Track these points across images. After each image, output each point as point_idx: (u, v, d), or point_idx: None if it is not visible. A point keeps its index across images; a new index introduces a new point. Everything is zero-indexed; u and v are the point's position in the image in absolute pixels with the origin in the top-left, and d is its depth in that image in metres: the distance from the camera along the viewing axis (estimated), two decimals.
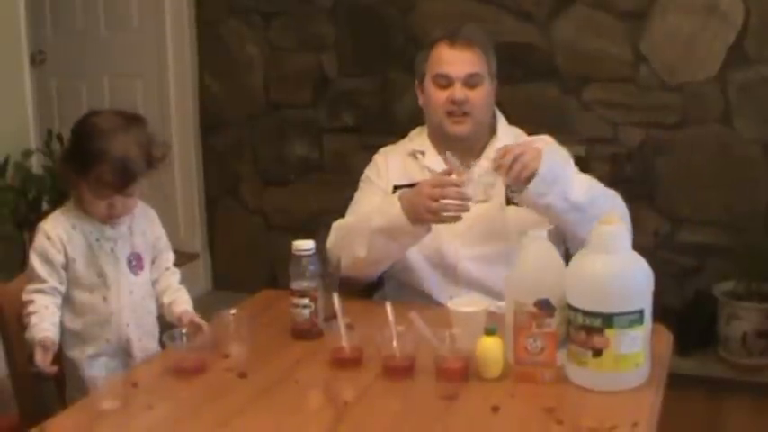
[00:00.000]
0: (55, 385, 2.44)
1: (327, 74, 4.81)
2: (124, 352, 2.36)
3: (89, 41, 5.23)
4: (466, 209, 2.41)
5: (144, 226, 2.44)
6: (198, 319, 2.35)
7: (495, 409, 1.93)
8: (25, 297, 2.28)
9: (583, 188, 2.47)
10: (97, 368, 2.11)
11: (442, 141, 2.69)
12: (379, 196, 2.74)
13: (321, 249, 2.45)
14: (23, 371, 2.39)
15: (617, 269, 1.98)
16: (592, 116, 4.32)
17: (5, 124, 4.21)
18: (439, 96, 2.65)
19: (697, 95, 4.14)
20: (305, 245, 2.35)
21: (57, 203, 2.71)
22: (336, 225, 2.73)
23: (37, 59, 4.99)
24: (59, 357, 2.37)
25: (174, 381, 2.14)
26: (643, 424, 1.85)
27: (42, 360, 2.17)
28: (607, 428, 1.82)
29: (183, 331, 2.23)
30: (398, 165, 2.78)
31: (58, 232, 2.30)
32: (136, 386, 2.09)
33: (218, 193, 5.21)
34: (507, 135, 2.73)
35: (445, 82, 2.64)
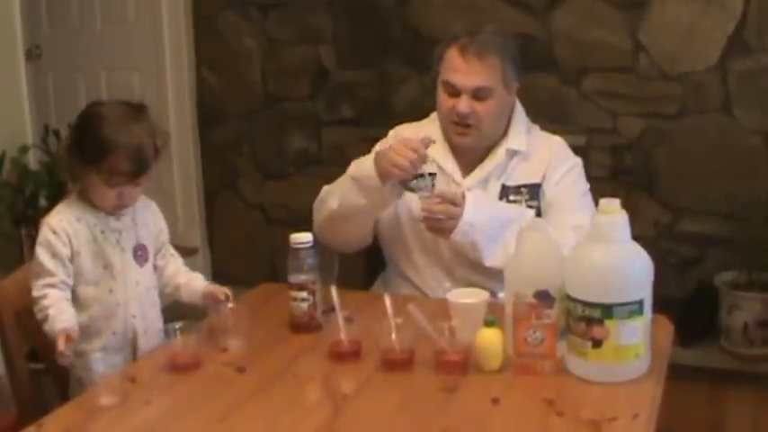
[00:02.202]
0: (54, 382, 2.43)
1: (325, 66, 4.79)
2: (130, 345, 2.36)
3: (85, 36, 5.22)
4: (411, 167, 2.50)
5: (147, 218, 2.45)
6: (221, 290, 2.39)
7: (496, 401, 1.92)
8: (36, 293, 2.26)
9: (499, 255, 2.52)
10: (98, 363, 2.10)
11: (449, 138, 2.70)
12: None
13: (319, 242, 2.44)
14: (21, 368, 2.38)
15: (616, 259, 1.97)
16: (591, 106, 4.30)
17: (1, 120, 4.21)
18: (446, 103, 2.63)
19: (697, 85, 4.13)
20: (302, 238, 2.34)
21: (54, 199, 2.71)
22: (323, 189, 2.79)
23: (33, 54, 4.98)
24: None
25: (172, 376, 2.13)
26: (644, 415, 1.84)
27: (66, 348, 2.15)
28: (607, 420, 1.81)
29: (177, 327, 2.21)
30: None
31: (63, 225, 2.30)
32: (134, 381, 2.09)
33: (217, 187, 5.20)
34: (518, 137, 2.69)
35: (452, 91, 2.61)
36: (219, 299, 2.36)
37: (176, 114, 5.07)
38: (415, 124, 2.85)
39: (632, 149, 4.27)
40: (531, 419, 1.88)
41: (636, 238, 2.01)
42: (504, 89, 2.63)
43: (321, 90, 4.82)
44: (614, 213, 1.99)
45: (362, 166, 2.61)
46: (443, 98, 2.64)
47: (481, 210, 2.51)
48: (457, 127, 2.63)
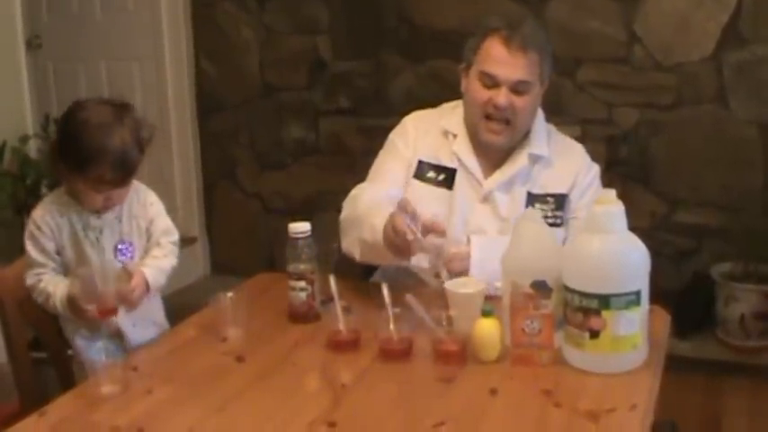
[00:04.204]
0: (56, 371, 2.45)
1: (322, 56, 4.80)
2: (119, 337, 2.37)
3: (85, 25, 5.22)
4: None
5: (136, 211, 2.41)
6: (135, 279, 2.30)
7: (494, 391, 1.93)
8: (30, 281, 2.30)
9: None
10: (96, 352, 2.11)
11: (475, 135, 2.62)
12: (400, 165, 2.68)
13: (317, 232, 2.43)
14: (23, 357, 2.40)
15: (613, 250, 1.98)
16: (586, 97, 4.31)
17: (2, 109, 4.21)
18: (481, 95, 2.54)
19: (692, 76, 4.14)
20: (301, 227, 2.34)
21: (55, 188, 2.72)
22: (352, 196, 2.65)
23: (33, 44, 4.99)
24: (63, 339, 2.41)
25: (173, 364, 2.15)
26: (641, 406, 1.85)
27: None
28: (605, 411, 1.82)
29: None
30: (430, 139, 2.68)
31: (46, 220, 2.31)
32: (135, 370, 2.10)
33: (215, 176, 5.20)
34: (540, 141, 2.63)
35: (491, 83, 2.52)
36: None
37: (175, 104, 5.09)
38: (434, 112, 2.77)
39: (627, 140, 4.28)
40: (528, 410, 1.88)
41: (632, 229, 2.01)
42: (540, 85, 2.59)
43: (318, 80, 4.83)
44: (611, 204, 1.99)
45: (374, 234, 2.38)
46: (478, 90, 2.55)
47: (488, 262, 2.39)
48: (490, 123, 2.55)
